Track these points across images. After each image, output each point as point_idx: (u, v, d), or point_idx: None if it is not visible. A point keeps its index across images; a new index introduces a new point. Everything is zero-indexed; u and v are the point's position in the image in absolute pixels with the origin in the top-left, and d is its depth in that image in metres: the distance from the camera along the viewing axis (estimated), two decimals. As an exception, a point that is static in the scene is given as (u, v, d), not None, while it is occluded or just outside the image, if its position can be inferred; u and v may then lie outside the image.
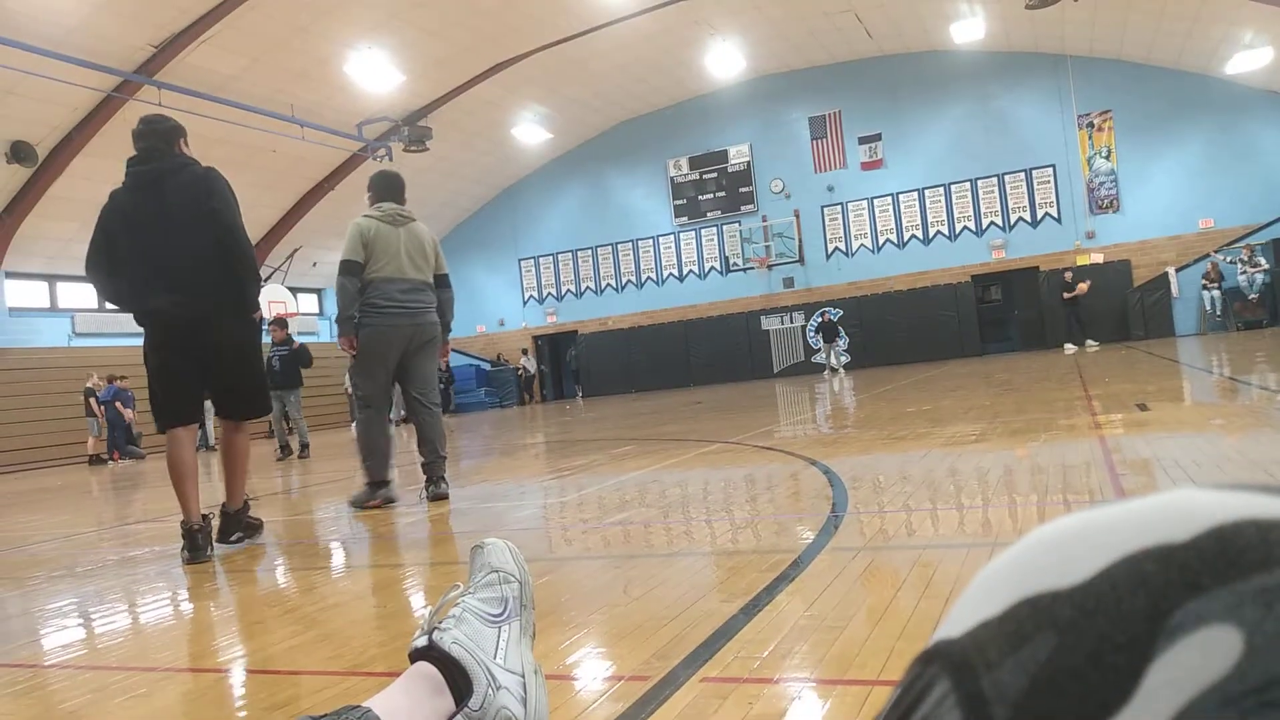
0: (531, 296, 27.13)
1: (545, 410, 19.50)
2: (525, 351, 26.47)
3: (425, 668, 1.18)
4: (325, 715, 1.04)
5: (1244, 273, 18.71)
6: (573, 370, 26.39)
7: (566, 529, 3.65)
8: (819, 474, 4.20)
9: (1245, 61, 18.39)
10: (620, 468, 5.57)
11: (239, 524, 4.07)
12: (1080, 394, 7.04)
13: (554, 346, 27.56)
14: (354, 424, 8.39)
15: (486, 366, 26.78)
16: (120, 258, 3.83)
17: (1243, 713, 0.20)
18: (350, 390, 10.80)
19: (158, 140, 3.91)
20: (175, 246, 3.81)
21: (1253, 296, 18.58)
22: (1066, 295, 17.10)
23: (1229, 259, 19.24)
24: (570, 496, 4.59)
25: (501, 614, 1.28)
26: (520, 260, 27.14)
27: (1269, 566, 0.22)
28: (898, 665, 1.58)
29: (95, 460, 16.50)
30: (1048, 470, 3.60)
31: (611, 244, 25.92)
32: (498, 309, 27.49)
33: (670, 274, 25.30)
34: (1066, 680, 0.23)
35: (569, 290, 26.60)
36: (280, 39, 17.11)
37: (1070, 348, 16.91)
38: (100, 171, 16.75)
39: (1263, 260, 18.67)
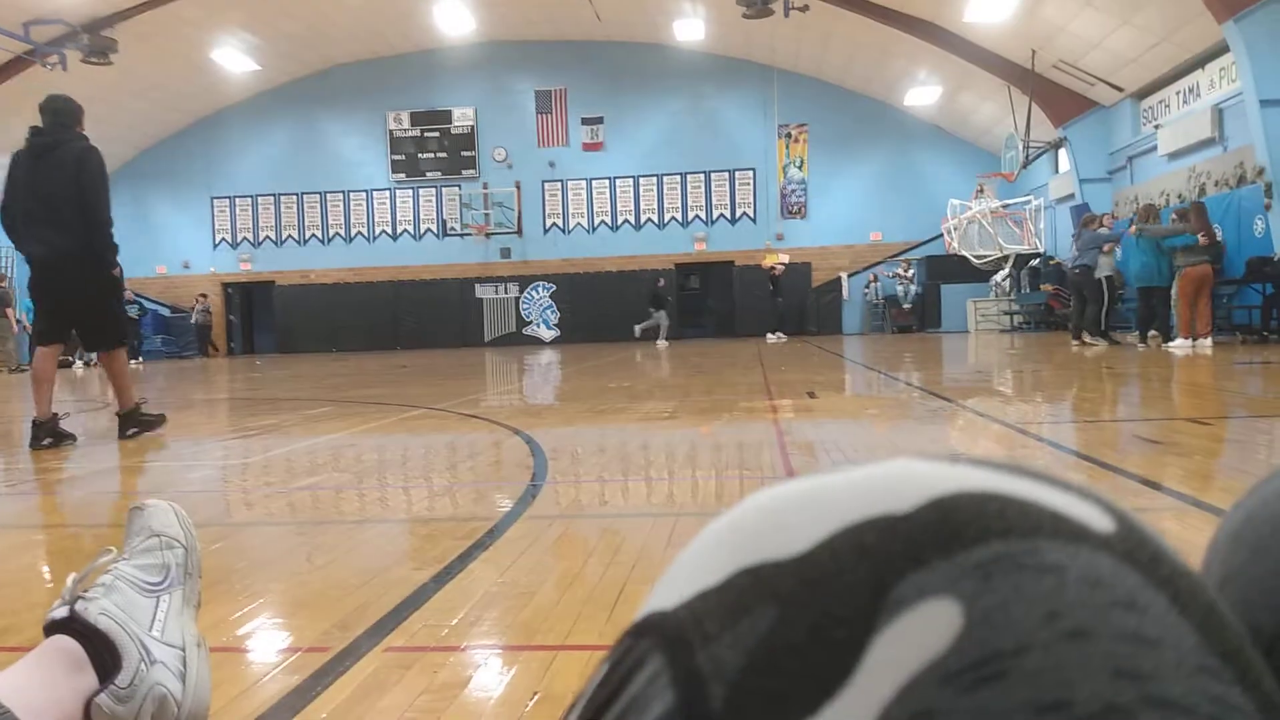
0: (224, 240, 24.92)
1: (233, 364, 18.06)
2: (203, 296, 23.91)
3: (63, 641, 1.04)
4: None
5: (901, 283, 21.31)
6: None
7: (248, 493, 3.41)
8: (522, 443, 4.24)
9: (919, 96, 20.84)
10: (313, 430, 5.28)
11: (133, 421, 5.14)
12: (760, 380, 7.66)
13: (246, 296, 25.52)
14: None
15: (166, 312, 24.27)
16: (14, 209, 4.83)
17: (961, 689, 0.20)
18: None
19: (55, 117, 4.83)
20: (48, 205, 4.71)
21: (907, 306, 21.19)
22: (776, 271, 18.55)
23: (890, 272, 21.81)
24: (255, 458, 4.29)
25: (161, 582, 1.16)
26: (214, 198, 24.82)
27: (986, 540, 0.22)
28: (583, 630, 1.63)
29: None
30: (727, 448, 3.88)
31: (319, 192, 24.42)
32: (182, 249, 24.97)
33: (383, 231, 24.33)
34: (787, 656, 0.22)
35: (268, 237, 24.73)
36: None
37: (776, 337, 18.28)
38: None
39: (915, 274, 21.38)
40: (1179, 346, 9.53)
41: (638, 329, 19.90)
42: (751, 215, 23.18)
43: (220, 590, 1.97)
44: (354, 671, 1.49)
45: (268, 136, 24.55)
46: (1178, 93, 14.66)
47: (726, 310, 23.53)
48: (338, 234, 24.45)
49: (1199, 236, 10.11)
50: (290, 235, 24.61)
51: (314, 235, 24.53)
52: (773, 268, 18.73)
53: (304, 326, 23.87)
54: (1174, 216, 10.62)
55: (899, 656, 0.21)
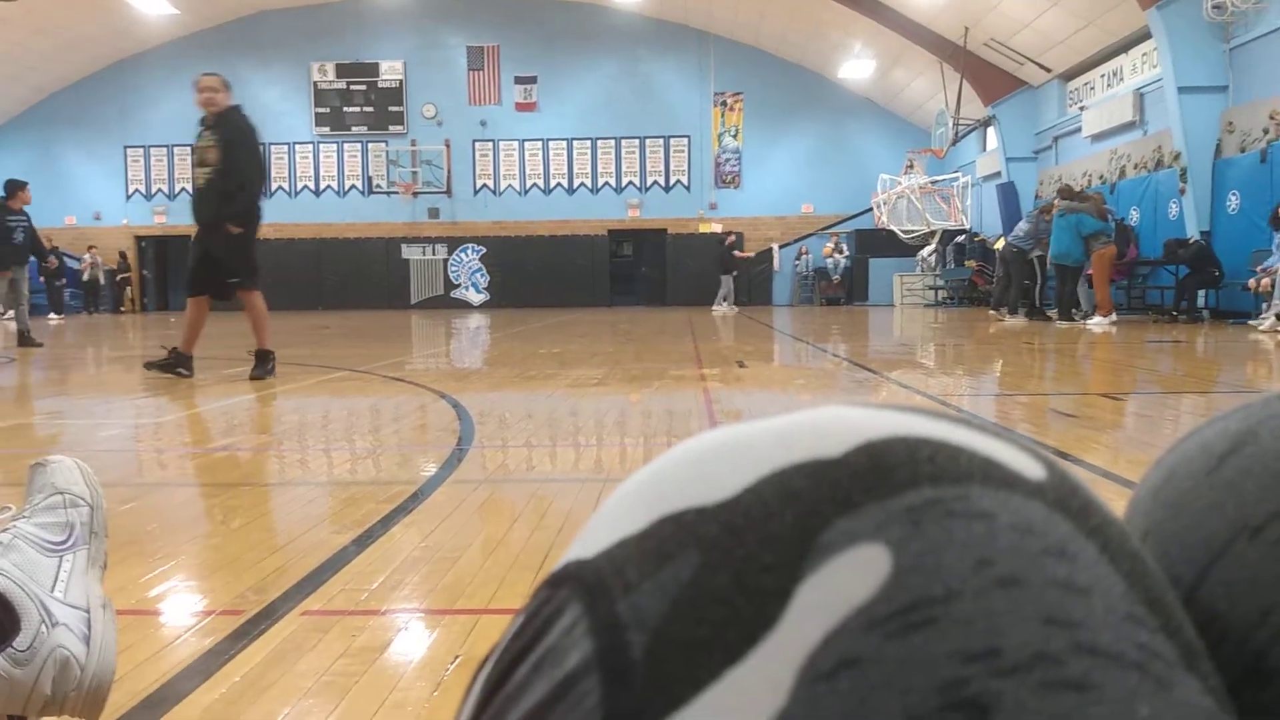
0: (138, 191, 23.92)
1: (147, 321, 17.44)
2: (92, 249, 22.60)
3: (-44, 604, 0.98)
4: None
5: (830, 256, 21.59)
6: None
7: (162, 452, 3.30)
8: (448, 407, 4.19)
9: (854, 69, 20.98)
10: (231, 390, 5.13)
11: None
12: (690, 349, 7.70)
13: (161, 249, 24.56)
14: None
15: (76, 265, 23.23)
16: None
17: (889, 636, 0.19)
18: None
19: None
20: None
21: (835, 278, 21.49)
22: (738, 254, 18.49)
23: (823, 246, 22.05)
24: (170, 417, 4.15)
25: (65, 542, 1.11)
26: (127, 148, 23.76)
27: (917, 484, 0.22)
28: (508, 594, 1.62)
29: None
30: (656, 415, 3.90)
31: (240, 145, 23.57)
32: (93, 200, 23.89)
33: (306, 186, 23.62)
34: (711, 603, 0.21)
35: (184, 189, 23.80)
36: None
37: (724, 308, 18.20)
38: None
39: (845, 247, 21.67)
40: (1097, 324, 9.87)
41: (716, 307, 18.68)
42: (686, 184, 23.16)
43: (130, 552, 1.91)
44: (270, 635, 1.46)
45: (185, 83, 23.50)
46: (1102, 76, 15.05)
47: (659, 278, 23.55)
48: (260, 188, 23.70)
49: (1108, 219, 10.55)
50: (207, 187, 23.75)
51: (233, 188, 23.72)
52: (730, 239, 18.54)
53: (223, 283, 23.13)
54: (1070, 199, 10.96)
55: (826, 602, 0.20)
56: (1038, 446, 0.26)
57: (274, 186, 23.52)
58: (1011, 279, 11.96)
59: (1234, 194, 10.71)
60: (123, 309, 23.02)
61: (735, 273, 18.40)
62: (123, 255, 23.32)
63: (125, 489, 2.55)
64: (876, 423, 0.24)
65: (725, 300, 18.04)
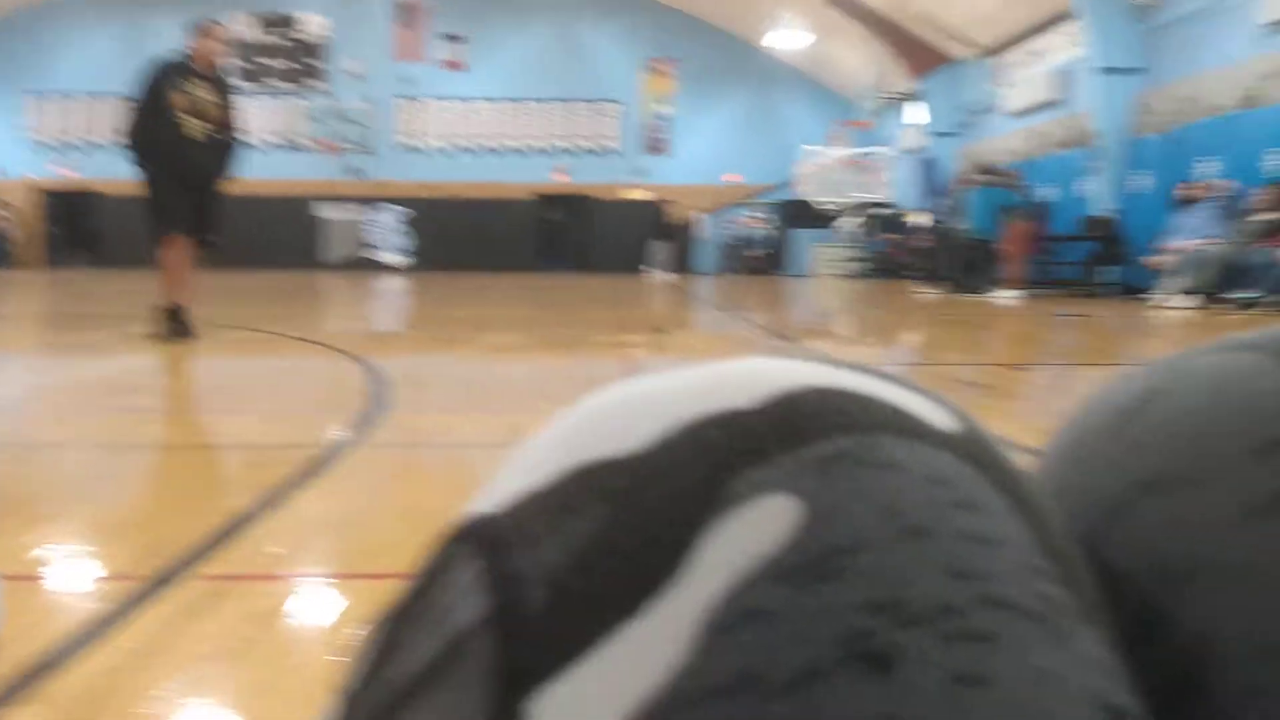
0: (42, 142, 22.71)
1: (53, 279, 16.67)
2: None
3: None
4: None
5: (755, 226, 21.77)
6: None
7: (56, 411, 3.16)
8: (362, 370, 4.10)
9: (784, 38, 21.02)
10: (135, 347, 4.94)
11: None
12: (613, 315, 7.69)
13: (68, 205, 23.40)
14: None
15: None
16: None
17: (795, 587, 0.19)
18: None
19: None
20: None
21: (759, 249, 21.68)
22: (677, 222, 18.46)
23: (748, 216, 22.20)
24: (66, 375, 3.97)
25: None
26: (27, 94, 22.50)
27: (830, 435, 0.21)
28: (420, 558, 1.59)
29: None
30: (577, 380, 3.88)
31: (150, 95, 22.53)
32: (-6, 151, 22.62)
33: (220, 141, 22.74)
34: (614, 556, 0.21)
35: (92, 142, 22.69)
36: None
37: (662, 275, 18.17)
38: None
39: (770, 218, 21.86)
40: (1007, 297, 10.16)
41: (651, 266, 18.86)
42: (616, 149, 22.99)
43: (20, 514, 1.83)
44: (165, 599, 1.41)
45: (95, 28, 22.34)
46: (1026, 54, 15.37)
47: (586, 244, 23.40)
48: (171, 141, 22.71)
49: (1024, 195, 10.88)
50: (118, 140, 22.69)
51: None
52: (667, 206, 18.55)
53: (132, 240, 22.11)
54: (989, 174, 11.25)
55: (731, 554, 0.20)
56: (952, 401, 0.25)
57: (186, 139, 22.54)
58: (939, 254, 12.25)
59: (1143, 173, 11.11)
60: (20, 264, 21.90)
61: (673, 240, 18.44)
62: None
63: (15, 449, 2.43)
64: (791, 373, 0.24)
65: (662, 267, 18.09)
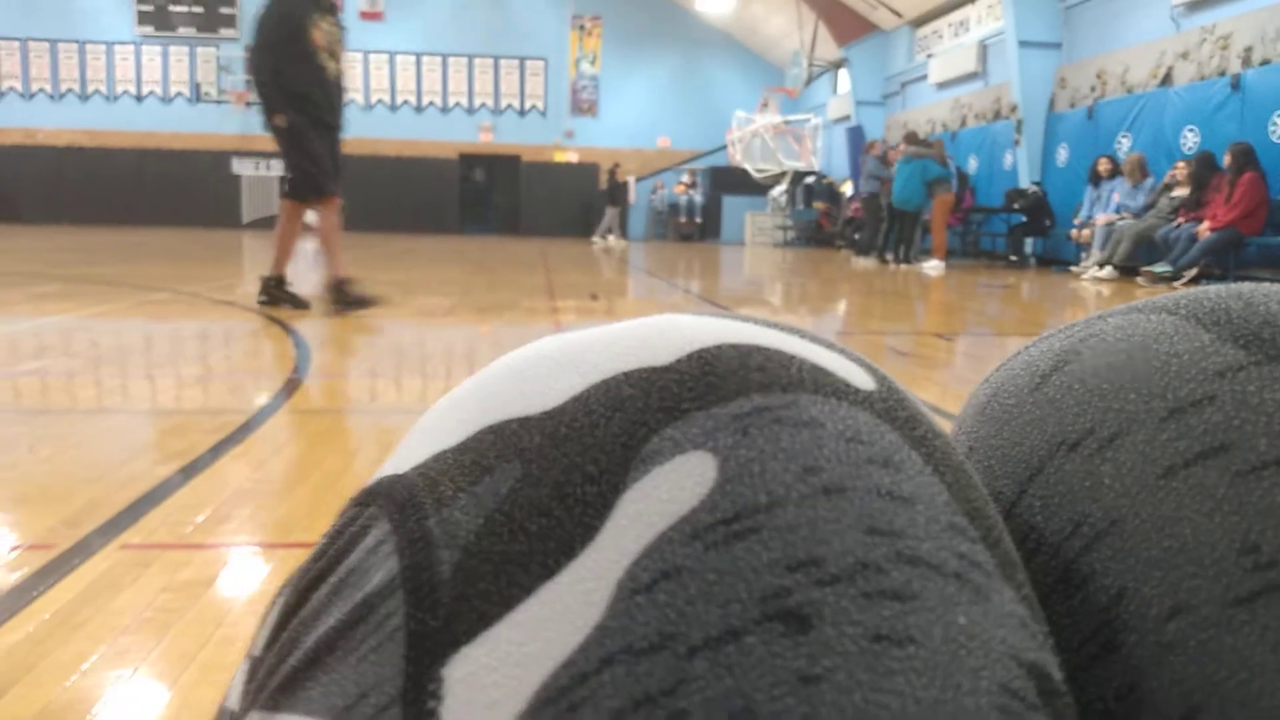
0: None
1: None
2: None
3: None
4: None
5: (685, 192, 21.74)
6: None
7: (-44, 376, 3.00)
8: (283, 334, 3.99)
9: (711, 2, 20.89)
10: (40, 309, 4.72)
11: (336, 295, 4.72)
12: (543, 281, 7.62)
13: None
14: None
15: None
16: None
17: (710, 545, 0.19)
18: None
19: None
20: None
21: (689, 215, 21.69)
22: (620, 177, 18.32)
23: (679, 182, 22.16)
24: (-35, 337, 3.78)
25: None
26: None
27: (746, 392, 0.21)
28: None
29: None
30: (506, 346, 3.82)
31: (49, 40, 21.32)
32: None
33: (126, 91, 21.67)
34: (528, 516, 0.20)
35: (11, 87, 21.39)
36: None
37: (607, 240, 17.98)
38: None
39: (699, 184, 21.87)
40: (932, 267, 10.37)
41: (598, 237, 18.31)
42: (541, 109, 22.63)
43: (-83, 485, 1.74)
44: (84, 570, 1.36)
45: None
46: (950, 25, 15.59)
47: (512, 207, 23.08)
48: (71, 90, 21.51)
49: (949, 167, 11.08)
50: (13, 87, 21.42)
51: (42, 90, 21.47)
52: (616, 170, 18.40)
53: (29, 194, 20.99)
54: (915, 145, 11.42)
55: (647, 513, 0.19)
56: (869, 360, 0.25)
57: (89, 89, 21.53)
58: (868, 224, 12.42)
59: (1063, 147, 11.42)
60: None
61: (620, 206, 18.32)
62: None
63: (-88, 416, 2.31)
64: (708, 330, 0.23)
65: (610, 233, 17.96)
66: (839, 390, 0.22)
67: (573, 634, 0.18)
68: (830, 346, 0.25)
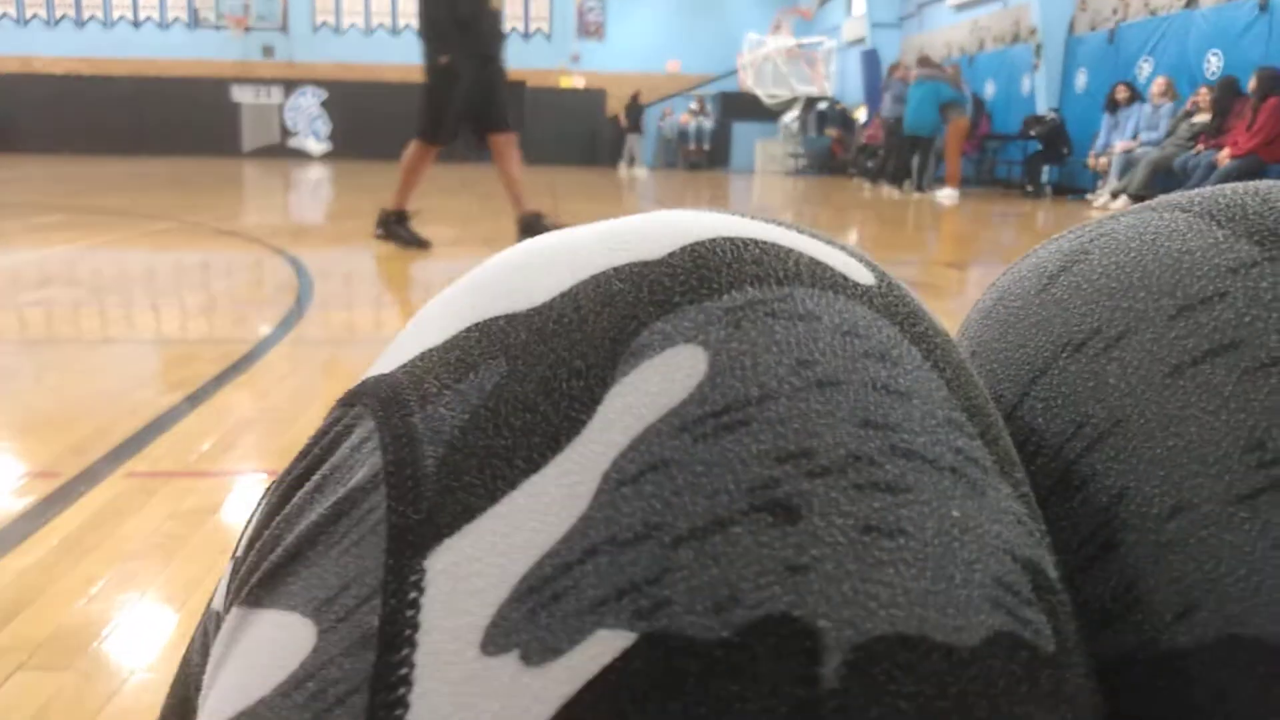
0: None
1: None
2: None
3: None
4: None
5: (694, 119, 21.36)
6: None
7: (-39, 305, 3.00)
8: (286, 264, 3.97)
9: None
10: (45, 239, 4.70)
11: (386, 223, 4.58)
12: (549, 209, 7.54)
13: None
14: None
15: None
16: None
17: (698, 438, 0.18)
18: None
19: None
20: None
21: (699, 143, 21.36)
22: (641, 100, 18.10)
23: (688, 108, 21.76)
24: (-30, 267, 3.77)
25: None
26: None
27: (740, 285, 0.21)
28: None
29: None
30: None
31: (44, -37, 20.87)
32: None
33: (123, 16, 21.25)
34: (513, 410, 0.20)
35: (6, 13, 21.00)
36: None
37: (636, 169, 17.77)
38: None
39: (710, 110, 21.47)
40: (946, 195, 10.20)
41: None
42: (546, 32, 22.16)
43: (-76, 413, 1.74)
44: (91, 497, 1.37)
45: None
46: (967, -58, 15.13)
47: (517, 134, 22.74)
48: (66, 15, 21.12)
49: (964, 91, 10.82)
50: (6, 12, 21.04)
51: (36, 15, 21.06)
52: (638, 96, 18.15)
53: (27, 123, 20.75)
54: (929, 68, 11.14)
55: (636, 406, 0.19)
56: (867, 254, 0.24)
57: (85, 15, 21.14)
58: (887, 151, 12.17)
59: (1082, 72, 11.14)
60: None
61: (642, 133, 18.10)
62: None
63: (-82, 345, 2.31)
64: (703, 224, 0.23)
65: (634, 161, 17.75)
66: (836, 284, 0.22)
67: (557, 525, 0.18)
68: (830, 242, 0.24)
